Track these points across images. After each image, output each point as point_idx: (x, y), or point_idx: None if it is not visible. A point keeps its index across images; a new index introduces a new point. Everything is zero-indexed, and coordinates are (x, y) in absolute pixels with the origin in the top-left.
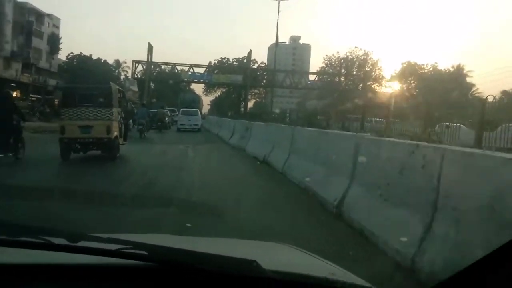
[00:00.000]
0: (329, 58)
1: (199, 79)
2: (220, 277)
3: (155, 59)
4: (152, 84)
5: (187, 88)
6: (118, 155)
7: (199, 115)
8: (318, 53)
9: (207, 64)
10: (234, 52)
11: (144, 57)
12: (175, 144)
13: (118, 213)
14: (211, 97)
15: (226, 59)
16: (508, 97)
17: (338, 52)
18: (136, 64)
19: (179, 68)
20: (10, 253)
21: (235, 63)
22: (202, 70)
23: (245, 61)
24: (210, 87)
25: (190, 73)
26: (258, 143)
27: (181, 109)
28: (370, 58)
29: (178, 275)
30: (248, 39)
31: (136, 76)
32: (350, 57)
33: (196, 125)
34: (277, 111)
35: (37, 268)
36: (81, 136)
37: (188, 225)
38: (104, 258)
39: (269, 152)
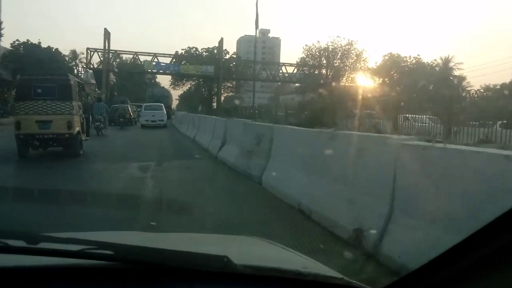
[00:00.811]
0: (309, 48)
1: (165, 70)
2: (191, 274)
3: (114, 48)
4: (112, 77)
5: (152, 81)
6: (81, 152)
7: (164, 110)
8: (289, 47)
9: (173, 53)
10: (201, 43)
11: (101, 46)
12: (131, 151)
13: (77, 212)
14: (179, 91)
15: (194, 49)
16: (495, 92)
17: (318, 41)
18: (91, 53)
19: (142, 58)
20: None
21: (204, 53)
22: (167, 60)
23: (215, 51)
24: (177, 79)
25: (154, 63)
26: (309, 176)
27: (144, 104)
28: (354, 48)
29: (147, 275)
30: (216, 32)
31: (91, 66)
32: (332, 47)
33: (162, 120)
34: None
35: None
36: (39, 132)
37: (153, 223)
38: (64, 259)
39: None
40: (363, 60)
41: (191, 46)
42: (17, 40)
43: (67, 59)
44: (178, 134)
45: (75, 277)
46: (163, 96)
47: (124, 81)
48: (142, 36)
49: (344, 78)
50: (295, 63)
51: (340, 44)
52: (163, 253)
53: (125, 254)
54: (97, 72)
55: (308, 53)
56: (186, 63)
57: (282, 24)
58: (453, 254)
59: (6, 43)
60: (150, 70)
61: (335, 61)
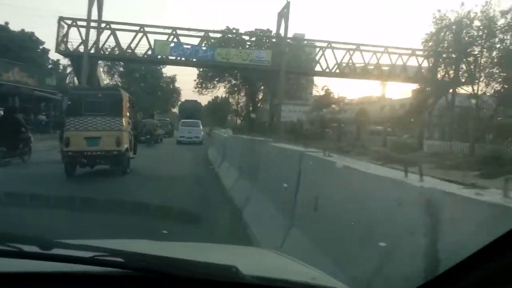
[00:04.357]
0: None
1: (189, 56)
2: (200, 283)
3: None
4: (102, 67)
5: (163, 75)
6: (128, 170)
7: (201, 126)
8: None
9: (198, 31)
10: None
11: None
12: None
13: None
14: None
15: (235, 30)
16: None
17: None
18: (65, 25)
19: (151, 39)
20: None
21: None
22: (191, 41)
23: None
24: (207, 77)
25: (172, 44)
26: None
27: (182, 120)
28: None
29: (156, 283)
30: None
31: (63, 48)
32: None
33: (197, 137)
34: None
35: (6, 277)
36: (88, 149)
37: (165, 231)
38: (78, 265)
39: None
40: None
41: (230, 27)
42: None
43: (45, 47)
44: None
45: (87, 284)
46: (196, 110)
47: (125, 77)
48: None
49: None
50: (410, 48)
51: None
52: (173, 262)
53: (135, 262)
54: (76, 60)
55: (446, 30)
56: (225, 46)
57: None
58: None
59: None
60: (164, 57)
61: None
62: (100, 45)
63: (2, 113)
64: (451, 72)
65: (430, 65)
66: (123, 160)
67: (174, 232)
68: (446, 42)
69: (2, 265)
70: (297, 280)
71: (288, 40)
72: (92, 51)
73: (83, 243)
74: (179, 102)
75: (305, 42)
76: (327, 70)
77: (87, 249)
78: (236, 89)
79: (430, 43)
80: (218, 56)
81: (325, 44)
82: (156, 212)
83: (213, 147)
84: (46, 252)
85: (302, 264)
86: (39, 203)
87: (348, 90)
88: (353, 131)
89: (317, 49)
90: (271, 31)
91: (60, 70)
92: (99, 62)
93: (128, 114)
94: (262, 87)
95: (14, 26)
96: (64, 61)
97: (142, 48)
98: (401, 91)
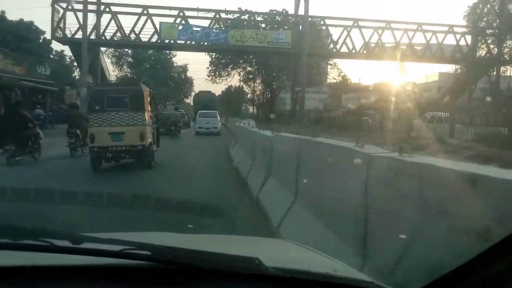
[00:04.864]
0: None
1: (200, 40)
2: (223, 275)
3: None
4: (110, 58)
5: (174, 65)
6: (153, 163)
7: (218, 117)
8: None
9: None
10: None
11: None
12: None
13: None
14: (219, 87)
15: (247, 12)
16: None
17: None
18: (60, 9)
19: (156, 22)
20: (10, 256)
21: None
22: (201, 23)
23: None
24: (220, 64)
25: (181, 27)
26: None
27: (199, 112)
28: None
29: (182, 275)
30: None
31: (59, 35)
32: None
33: (215, 128)
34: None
35: (39, 270)
36: (112, 144)
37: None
38: (105, 259)
39: None
40: None
41: (243, 9)
42: None
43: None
44: None
45: (115, 276)
46: (211, 101)
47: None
48: None
49: None
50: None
51: None
52: (196, 254)
53: (162, 255)
54: (75, 47)
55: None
56: (239, 28)
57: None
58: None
59: None
60: (172, 41)
61: None
62: (101, 31)
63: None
64: (494, 49)
65: (470, 43)
66: (147, 154)
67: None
68: (490, 15)
69: (35, 259)
70: (319, 271)
71: (310, 19)
72: (93, 37)
73: (111, 237)
74: (193, 93)
75: (327, 22)
76: (354, 51)
77: (115, 243)
78: (251, 76)
79: (474, 16)
80: (232, 39)
81: (350, 23)
82: (181, 206)
83: (236, 145)
84: (76, 246)
85: (323, 255)
86: (65, 199)
87: (362, 75)
88: (397, 119)
89: (342, 29)
90: (287, 11)
91: (67, 62)
92: (105, 51)
93: (149, 108)
94: (280, 74)
95: (12, 15)
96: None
97: (147, 33)
98: (424, 75)
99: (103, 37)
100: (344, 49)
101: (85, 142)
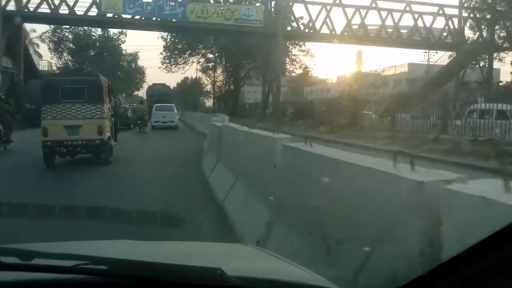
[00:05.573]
0: None
1: (151, 15)
2: (186, 287)
3: None
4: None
5: (123, 53)
6: (111, 158)
7: (175, 110)
8: None
9: None
10: None
11: None
12: None
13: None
14: (175, 77)
15: None
16: None
17: None
18: None
19: None
20: None
21: None
22: None
23: None
24: (175, 50)
25: None
26: None
27: (155, 105)
28: None
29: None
30: None
31: None
32: None
33: (172, 122)
34: None
35: None
36: (68, 138)
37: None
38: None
39: None
40: None
41: None
42: None
43: None
44: None
45: None
46: (166, 94)
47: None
48: None
49: None
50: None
51: None
52: (157, 267)
53: (118, 269)
54: None
55: None
56: (200, 2)
57: None
58: (453, 264)
59: None
60: (116, 17)
61: None
62: (24, 0)
63: None
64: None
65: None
66: (105, 149)
67: None
68: None
69: None
70: (285, 279)
71: None
72: (12, 8)
73: (66, 248)
74: (145, 84)
75: None
76: (334, 33)
77: (68, 257)
78: (212, 64)
79: None
80: (192, 15)
81: (331, 0)
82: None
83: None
84: (26, 263)
85: (288, 262)
86: (13, 209)
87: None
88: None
89: (320, 7)
90: None
91: None
92: (41, 35)
93: (108, 100)
94: (246, 61)
95: None
96: None
97: (83, 5)
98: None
99: (26, 10)
100: (324, 31)
101: (8, 138)
